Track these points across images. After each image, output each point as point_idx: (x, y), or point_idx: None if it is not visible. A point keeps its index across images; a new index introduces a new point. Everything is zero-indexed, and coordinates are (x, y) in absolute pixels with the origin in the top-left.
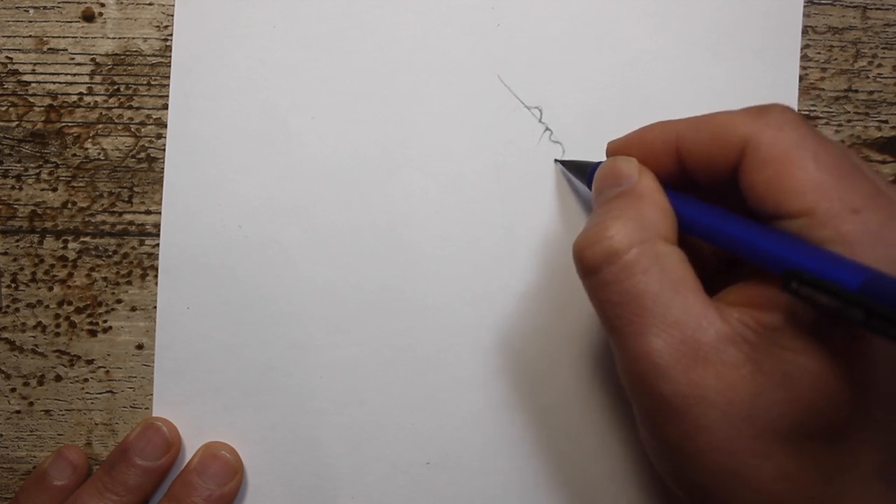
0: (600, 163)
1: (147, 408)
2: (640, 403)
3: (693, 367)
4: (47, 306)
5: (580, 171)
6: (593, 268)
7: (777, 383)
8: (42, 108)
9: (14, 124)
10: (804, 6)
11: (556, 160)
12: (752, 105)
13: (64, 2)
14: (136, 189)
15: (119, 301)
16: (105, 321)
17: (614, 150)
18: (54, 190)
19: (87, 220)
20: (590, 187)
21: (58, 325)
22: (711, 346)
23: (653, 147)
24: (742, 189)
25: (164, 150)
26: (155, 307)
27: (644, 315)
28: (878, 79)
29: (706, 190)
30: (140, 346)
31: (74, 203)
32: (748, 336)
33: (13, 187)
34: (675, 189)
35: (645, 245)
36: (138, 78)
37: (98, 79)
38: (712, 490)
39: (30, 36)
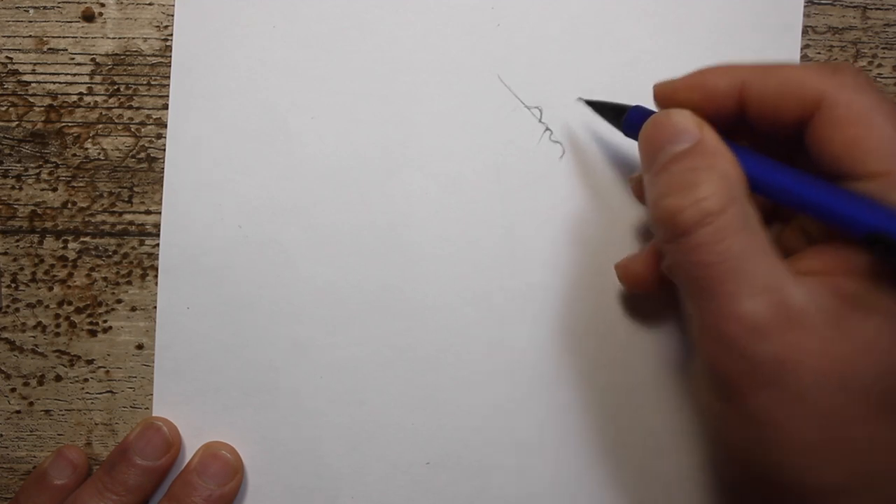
0: (638, 107)
1: (147, 408)
2: (726, 368)
3: (789, 330)
4: (47, 306)
5: (612, 114)
6: (686, 230)
7: (865, 349)
8: (42, 108)
9: (14, 124)
10: (804, 6)
11: (580, 99)
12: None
13: (64, 2)
14: (136, 189)
15: (119, 301)
16: (105, 321)
17: (669, 92)
18: (54, 190)
19: (87, 220)
20: (623, 131)
21: (58, 325)
22: (801, 310)
23: (714, 92)
24: (811, 145)
25: (164, 150)
26: (155, 307)
27: (739, 277)
28: (878, 79)
29: (759, 142)
30: (140, 346)
31: (74, 203)
32: (831, 304)
33: (13, 187)
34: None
35: (736, 205)
36: (138, 78)
37: (98, 79)
38: (792, 467)
39: (30, 36)
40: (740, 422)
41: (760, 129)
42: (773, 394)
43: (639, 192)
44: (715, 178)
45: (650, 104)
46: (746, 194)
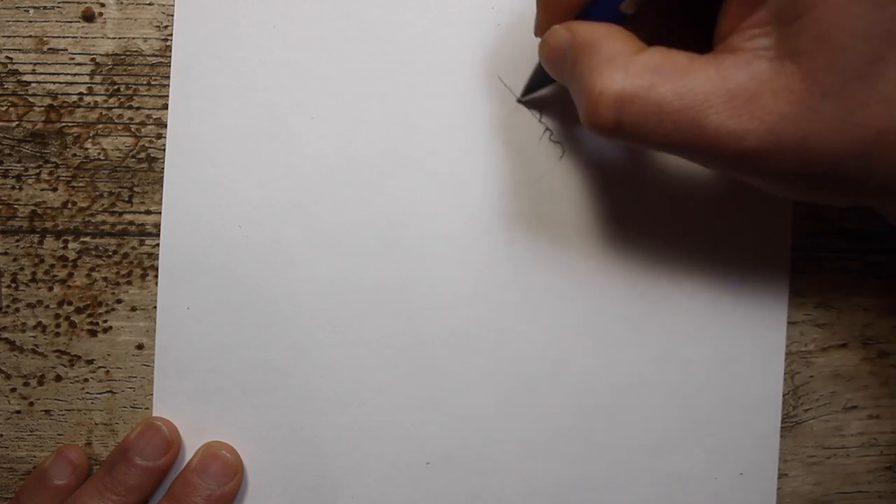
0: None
1: (147, 408)
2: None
3: (754, 105)
4: (47, 306)
5: (541, 78)
6: (614, 123)
7: (820, 48)
8: (42, 108)
9: (14, 124)
10: None
11: (519, 100)
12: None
13: (64, 2)
14: (136, 189)
15: (119, 301)
16: (105, 321)
17: (543, 25)
18: (54, 190)
19: (87, 220)
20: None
21: (58, 325)
22: (749, 80)
23: None
24: None
25: (164, 150)
26: (155, 307)
27: (684, 114)
28: None
29: None
30: (140, 346)
31: (74, 203)
32: (764, 43)
33: (13, 187)
34: None
35: (630, 70)
36: (138, 78)
37: (98, 79)
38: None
39: (30, 36)
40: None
41: None
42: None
43: None
44: (599, 64)
45: None
46: (635, 48)
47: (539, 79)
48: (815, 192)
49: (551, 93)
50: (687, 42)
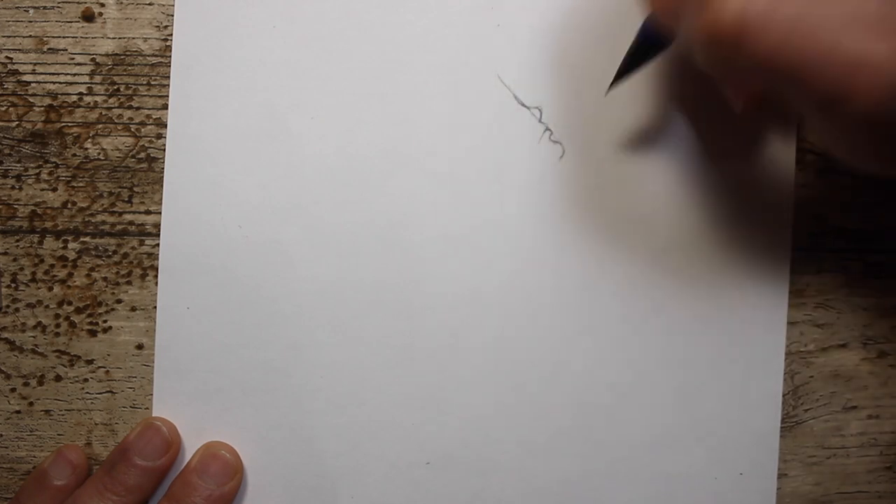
0: (645, 23)
1: (147, 408)
2: None
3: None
4: (47, 306)
5: (640, 57)
6: (738, 33)
7: None
8: (42, 108)
9: (14, 124)
10: None
11: (610, 88)
12: None
13: (64, 2)
14: (136, 189)
15: (119, 301)
16: (105, 321)
17: None
18: (54, 190)
19: (87, 220)
20: (652, 43)
21: (58, 325)
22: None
23: None
24: None
25: (164, 150)
26: (155, 307)
27: (818, 31)
28: None
29: None
30: (140, 346)
31: (74, 203)
32: None
33: (13, 187)
34: None
35: None
36: (138, 78)
37: (98, 79)
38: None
39: (30, 36)
40: None
41: None
42: None
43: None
44: None
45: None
46: None
47: (637, 54)
48: None
49: (557, 91)
50: None
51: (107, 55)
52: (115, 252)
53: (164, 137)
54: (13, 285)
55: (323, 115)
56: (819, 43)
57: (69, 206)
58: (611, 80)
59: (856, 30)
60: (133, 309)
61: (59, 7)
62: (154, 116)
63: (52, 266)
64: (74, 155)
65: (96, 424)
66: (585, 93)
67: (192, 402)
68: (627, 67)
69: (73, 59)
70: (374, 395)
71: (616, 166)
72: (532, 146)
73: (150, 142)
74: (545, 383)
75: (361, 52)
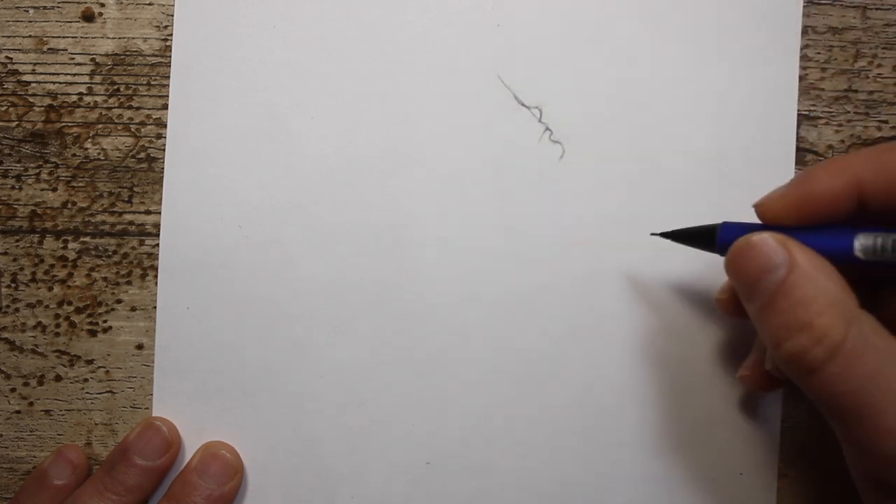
0: (727, 225)
1: (147, 408)
2: (892, 478)
3: None
4: (47, 306)
5: (697, 239)
6: (816, 367)
7: None
8: (42, 108)
9: (14, 124)
10: (804, 6)
11: (655, 234)
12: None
13: (64, 2)
14: (136, 189)
15: (119, 301)
16: (105, 321)
17: (770, 211)
18: (54, 190)
19: (87, 220)
20: (718, 252)
21: (58, 325)
22: None
23: (824, 200)
24: None
25: (164, 150)
26: (155, 307)
27: (879, 394)
28: (878, 79)
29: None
30: (140, 346)
31: (74, 203)
32: None
33: (13, 187)
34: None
35: (854, 324)
36: (138, 78)
37: (98, 79)
38: None
39: (30, 36)
40: None
41: (879, 217)
42: None
43: (727, 308)
44: (827, 307)
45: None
46: (857, 304)
47: (696, 239)
48: None
49: (554, 95)
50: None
51: (107, 55)
52: (115, 252)
53: (164, 137)
54: (13, 285)
55: (323, 115)
56: (877, 407)
57: (69, 206)
58: (664, 230)
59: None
60: (133, 309)
61: (59, 7)
62: (154, 116)
63: (52, 266)
64: (74, 155)
65: (96, 424)
66: (585, 93)
67: (192, 402)
68: (682, 238)
69: (73, 59)
70: (374, 395)
71: (616, 166)
72: (532, 146)
73: (150, 142)
74: (545, 383)
75: (361, 52)
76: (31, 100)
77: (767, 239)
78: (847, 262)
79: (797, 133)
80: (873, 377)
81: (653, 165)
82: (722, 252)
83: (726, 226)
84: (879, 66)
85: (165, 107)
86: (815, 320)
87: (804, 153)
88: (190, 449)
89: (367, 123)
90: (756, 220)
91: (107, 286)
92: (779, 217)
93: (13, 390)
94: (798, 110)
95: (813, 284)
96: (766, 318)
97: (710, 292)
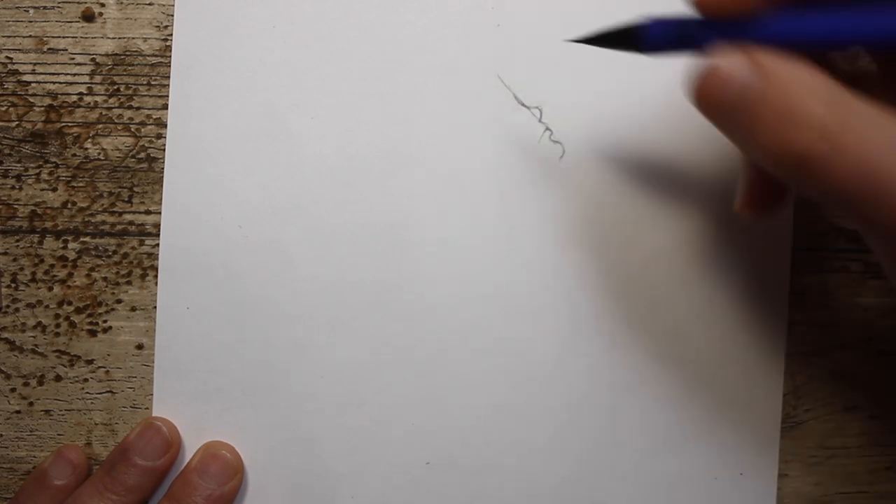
0: (657, 21)
1: (147, 408)
2: None
3: None
4: (47, 306)
5: (617, 40)
6: (813, 156)
7: None
8: (42, 108)
9: (14, 124)
10: None
11: (568, 40)
12: None
13: (64, 2)
14: (136, 189)
15: (119, 301)
16: (105, 321)
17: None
18: (54, 190)
19: (87, 220)
20: (644, 52)
21: (58, 325)
22: None
23: None
24: None
25: (164, 150)
26: (155, 307)
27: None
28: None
29: None
30: (140, 346)
31: (74, 203)
32: None
33: (13, 187)
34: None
35: (847, 109)
36: (138, 78)
37: (98, 79)
38: None
39: (30, 36)
40: None
41: None
42: None
43: (752, 205)
44: (815, 100)
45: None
46: (842, 87)
47: (621, 39)
48: None
49: (552, 92)
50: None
51: (107, 55)
52: (115, 252)
53: (164, 137)
54: (13, 285)
55: (323, 115)
56: (890, 182)
57: (69, 206)
58: (579, 37)
59: None
60: (133, 309)
61: (59, 7)
62: (154, 116)
63: (52, 266)
64: (74, 155)
65: (96, 424)
66: (585, 93)
67: (192, 402)
68: (598, 41)
69: (73, 59)
70: (374, 395)
71: (616, 166)
72: (532, 146)
73: (150, 142)
74: (545, 383)
75: (361, 52)
76: (31, 100)
77: (730, 58)
78: (814, 47)
79: None
80: (883, 151)
81: (652, 165)
82: (651, 51)
83: (658, 22)
84: None
85: (165, 107)
86: (807, 116)
87: None
88: (190, 449)
89: (367, 123)
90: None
91: (107, 286)
92: (718, 4)
93: (13, 390)
94: None
95: (793, 85)
96: (756, 137)
97: (710, 292)
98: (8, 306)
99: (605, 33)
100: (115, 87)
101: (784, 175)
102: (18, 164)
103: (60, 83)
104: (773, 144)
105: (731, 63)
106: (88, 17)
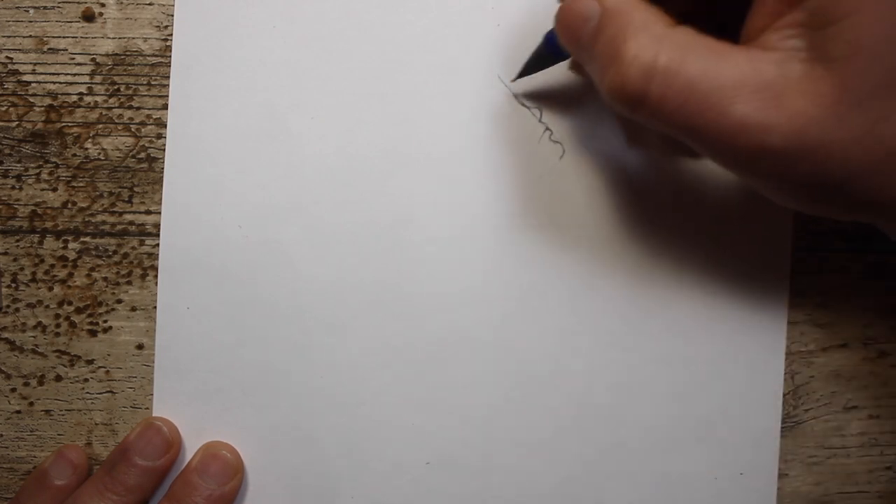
0: (551, 32)
1: (147, 408)
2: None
3: (781, 103)
4: (47, 306)
5: (547, 59)
6: (641, 95)
7: (853, 56)
8: (42, 108)
9: (14, 124)
10: None
11: (512, 80)
12: None
13: (64, 2)
14: (136, 189)
15: (119, 301)
16: (105, 321)
17: None
18: (54, 190)
19: (87, 220)
20: (558, 58)
21: (58, 325)
22: (779, 77)
23: None
24: None
25: (164, 150)
26: (155, 307)
27: (711, 97)
28: None
29: None
30: (140, 346)
31: (74, 203)
32: (797, 44)
33: (13, 187)
34: None
35: (663, 42)
36: (138, 78)
37: (98, 79)
38: None
39: (30, 36)
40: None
41: None
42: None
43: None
44: (632, 34)
45: None
46: (667, 21)
47: (541, 58)
48: (823, 203)
49: (551, 91)
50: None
51: (107, 55)
52: (115, 252)
53: (164, 137)
54: (13, 285)
55: (323, 115)
56: (711, 109)
57: (69, 206)
58: (518, 73)
59: (744, 97)
60: (133, 309)
61: (59, 7)
62: (154, 116)
63: (52, 266)
64: (74, 155)
65: (96, 424)
66: (585, 93)
67: (192, 402)
68: (531, 68)
69: (73, 59)
70: (374, 395)
71: (616, 166)
72: (532, 146)
73: (150, 142)
74: (545, 383)
75: (361, 52)
76: (31, 100)
77: None
78: None
79: None
80: (702, 79)
81: (652, 165)
82: (556, 53)
83: (550, 32)
84: None
85: (165, 107)
86: (621, 49)
87: None
88: (190, 449)
89: (367, 123)
90: None
91: (107, 286)
92: None
93: (13, 390)
94: None
95: (618, 18)
96: (593, 68)
97: (710, 292)
98: (8, 306)
99: (530, 61)
100: (116, 87)
101: (622, 112)
102: (18, 164)
103: (60, 83)
104: (599, 75)
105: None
106: (88, 17)
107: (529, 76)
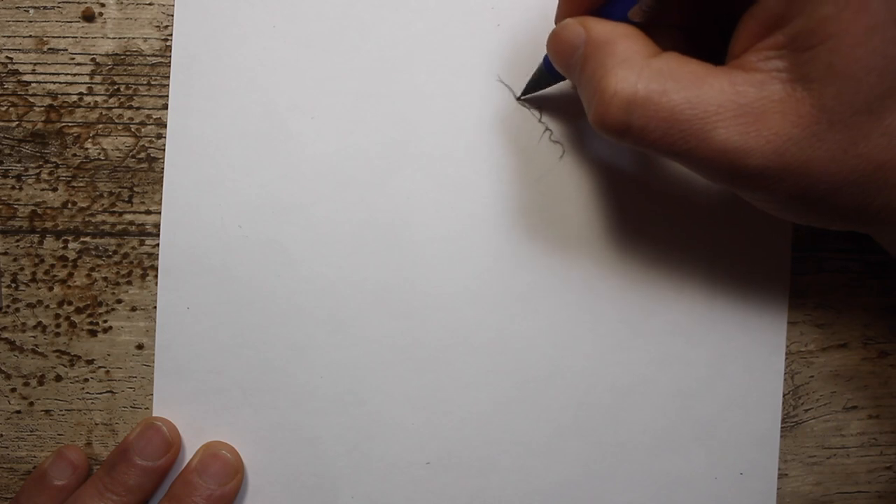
0: (546, 58)
1: (147, 408)
2: (751, 183)
3: (761, 125)
4: (47, 306)
5: (545, 78)
6: (623, 125)
7: (833, 78)
8: (42, 108)
9: (14, 124)
10: None
11: (518, 98)
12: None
13: (64, 2)
14: (136, 189)
15: (119, 301)
16: (105, 321)
17: (559, 17)
18: (54, 190)
19: (87, 220)
20: (556, 78)
21: (58, 325)
22: (759, 99)
23: None
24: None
25: (164, 150)
26: (155, 307)
27: (693, 124)
28: None
29: None
30: (140, 346)
31: (74, 203)
32: (778, 65)
33: (13, 187)
34: None
35: (643, 73)
36: (138, 78)
37: (98, 79)
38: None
39: (30, 36)
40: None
41: None
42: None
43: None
44: (613, 66)
45: None
46: (650, 51)
47: (542, 78)
48: (812, 215)
49: (551, 93)
50: (693, 54)
51: (107, 55)
52: (115, 252)
53: (164, 137)
54: (13, 285)
55: (323, 115)
56: (693, 136)
57: (69, 206)
58: (523, 90)
59: (725, 121)
60: (133, 309)
61: (59, 7)
62: (154, 116)
63: (52, 266)
64: (74, 155)
65: (96, 424)
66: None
67: (192, 402)
68: (534, 87)
69: (73, 59)
70: (374, 395)
71: (616, 166)
72: (532, 146)
73: (150, 142)
74: (545, 383)
75: (361, 52)
76: (31, 100)
77: (568, 22)
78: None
79: None
80: (684, 106)
81: (652, 166)
82: (554, 75)
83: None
84: None
85: (165, 107)
86: (602, 83)
87: None
88: (190, 449)
89: (367, 123)
90: None
91: (107, 286)
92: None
93: (13, 390)
94: None
95: (601, 50)
96: (581, 94)
97: (710, 293)
98: (8, 306)
99: (533, 81)
100: (116, 87)
101: (610, 140)
102: (18, 164)
103: (60, 83)
104: (586, 105)
105: (567, 25)
106: (88, 17)
107: (535, 93)
